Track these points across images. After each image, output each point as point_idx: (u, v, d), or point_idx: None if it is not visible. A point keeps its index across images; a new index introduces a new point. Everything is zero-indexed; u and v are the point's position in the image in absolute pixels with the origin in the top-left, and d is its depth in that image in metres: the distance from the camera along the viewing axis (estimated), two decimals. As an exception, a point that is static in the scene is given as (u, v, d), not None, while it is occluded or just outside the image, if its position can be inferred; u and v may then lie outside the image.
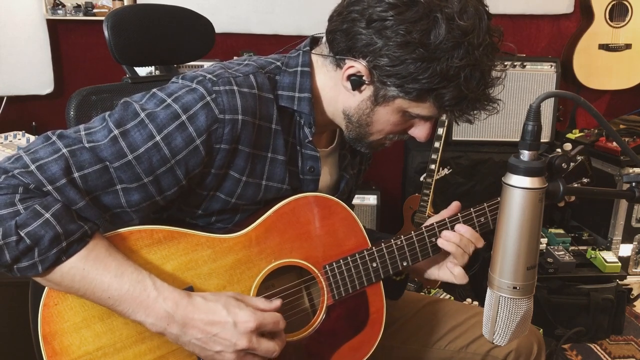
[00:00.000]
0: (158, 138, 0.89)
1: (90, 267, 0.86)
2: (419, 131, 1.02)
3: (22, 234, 0.81)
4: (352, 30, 0.92)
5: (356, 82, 0.95)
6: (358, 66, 0.94)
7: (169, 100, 0.91)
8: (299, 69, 1.02)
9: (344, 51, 0.95)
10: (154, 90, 0.94)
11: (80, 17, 2.62)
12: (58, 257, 0.84)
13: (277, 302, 0.95)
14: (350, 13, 0.92)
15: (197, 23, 1.45)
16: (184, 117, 0.90)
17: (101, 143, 0.87)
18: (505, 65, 0.96)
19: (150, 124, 0.89)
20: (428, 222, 1.13)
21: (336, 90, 1.01)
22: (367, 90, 0.96)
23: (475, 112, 0.96)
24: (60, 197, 0.84)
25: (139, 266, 0.90)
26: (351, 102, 0.99)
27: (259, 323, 0.89)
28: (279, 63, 1.03)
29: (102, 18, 1.43)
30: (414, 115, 0.97)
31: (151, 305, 0.87)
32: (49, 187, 0.83)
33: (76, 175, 0.85)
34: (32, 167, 0.83)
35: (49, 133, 0.88)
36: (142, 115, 0.89)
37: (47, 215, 0.82)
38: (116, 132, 0.88)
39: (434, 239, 1.10)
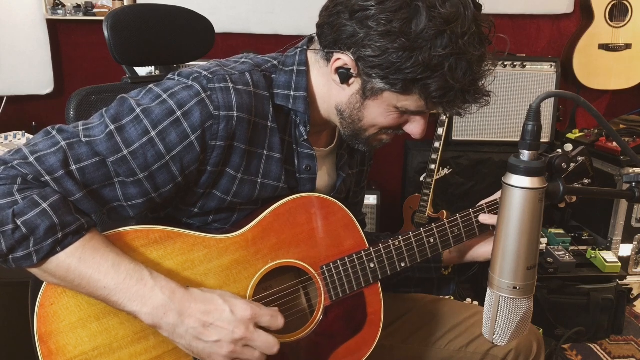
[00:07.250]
0: (153, 134, 0.89)
1: (88, 255, 0.86)
2: (413, 127, 1.01)
3: (19, 223, 0.81)
4: (337, 22, 0.92)
5: (344, 75, 0.95)
6: (345, 58, 0.94)
7: (164, 96, 0.92)
8: (295, 67, 1.02)
9: (331, 44, 0.95)
10: (151, 85, 0.95)
11: (80, 17, 2.62)
12: (53, 247, 0.84)
13: (275, 309, 0.95)
14: (336, 6, 0.93)
15: (197, 23, 1.44)
16: (178, 113, 0.90)
17: (97, 138, 0.88)
18: (498, 63, 0.94)
19: (145, 120, 0.90)
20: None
21: (328, 85, 1.01)
22: (356, 84, 0.96)
23: (465, 104, 0.95)
24: (58, 188, 0.85)
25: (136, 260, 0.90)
26: (342, 96, 0.99)
27: (255, 312, 0.89)
28: (275, 62, 1.03)
29: (102, 18, 1.42)
30: (403, 110, 0.97)
31: (148, 294, 0.86)
32: (47, 178, 0.84)
33: (74, 167, 0.86)
34: (31, 158, 0.85)
35: (49, 128, 0.90)
36: (138, 110, 0.90)
37: (45, 205, 0.83)
38: (112, 127, 0.89)
39: (432, 240, 1.10)
